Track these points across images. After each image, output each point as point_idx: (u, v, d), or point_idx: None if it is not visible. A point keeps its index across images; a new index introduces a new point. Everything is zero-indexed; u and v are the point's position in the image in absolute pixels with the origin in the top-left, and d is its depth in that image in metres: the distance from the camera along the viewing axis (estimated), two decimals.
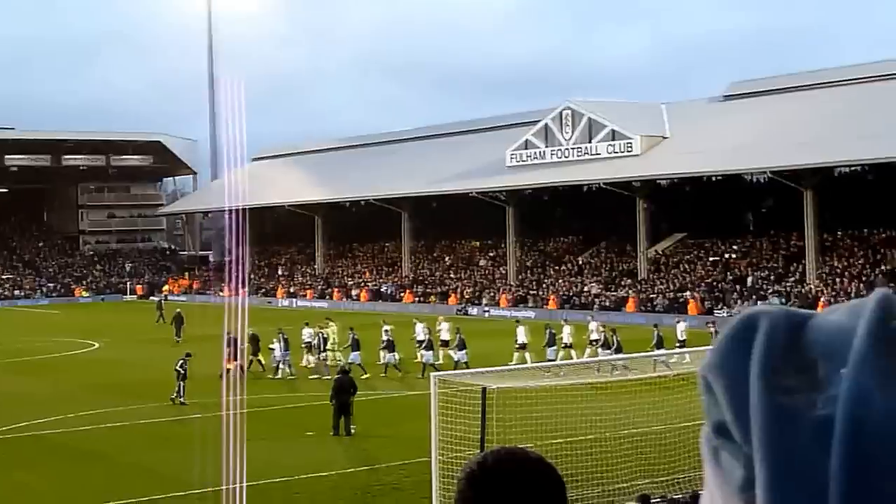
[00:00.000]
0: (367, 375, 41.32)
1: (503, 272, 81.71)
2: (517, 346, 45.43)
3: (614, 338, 44.26)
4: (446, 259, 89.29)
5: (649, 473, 23.28)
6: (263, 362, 44.47)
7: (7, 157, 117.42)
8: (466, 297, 79.15)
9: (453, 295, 79.79)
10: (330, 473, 26.24)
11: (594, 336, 46.78)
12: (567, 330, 46.67)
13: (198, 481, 23.74)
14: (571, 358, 43.13)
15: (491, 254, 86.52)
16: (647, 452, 24.71)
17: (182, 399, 36.92)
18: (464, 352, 43.54)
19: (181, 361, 37.78)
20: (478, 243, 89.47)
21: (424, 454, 24.19)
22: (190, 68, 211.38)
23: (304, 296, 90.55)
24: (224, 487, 20.87)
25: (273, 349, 44.13)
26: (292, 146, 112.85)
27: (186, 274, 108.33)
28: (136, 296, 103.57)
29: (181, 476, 25.93)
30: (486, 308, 74.69)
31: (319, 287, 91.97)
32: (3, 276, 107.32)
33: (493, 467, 2.12)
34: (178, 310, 61.53)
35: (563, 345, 45.86)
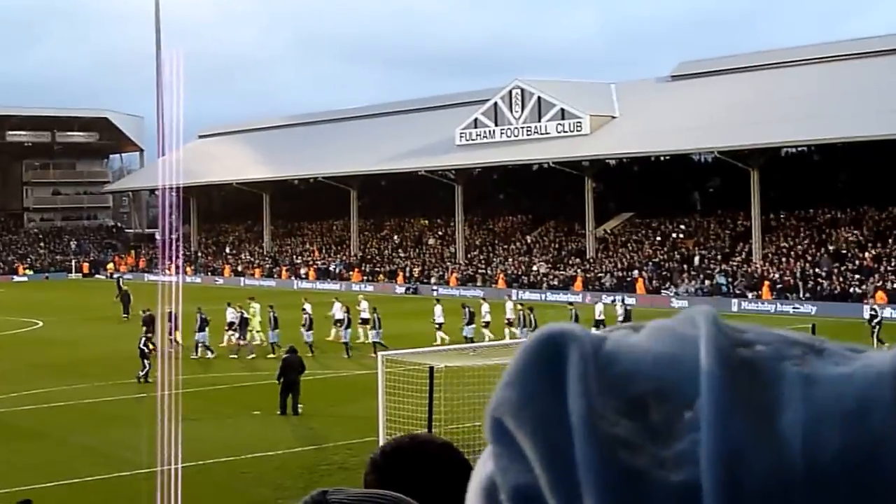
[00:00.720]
0: (273, 355, 41.24)
1: (452, 251, 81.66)
2: (436, 325, 45.85)
3: (531, 316, 44.47)
4: (395, 237, 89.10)
5: None
6: (180, 341, 44.10)
7: None
8: (415, 275, 79.01)
9: (401, 274, 79.63)
10: (276, 453, 26.07)
11: (509, 315, 47.26)
12: (485, 308, 47.32)
13: (142, 461, 23.49)
14: (485, 338, 43.84)
15: (440, 232, 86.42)
16: None
17: (148, 378, 36.37)
18: (378, 331, 43.12)
19: (144, 339, 37.44)
20: (427, 222, 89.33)
21: (372, 433, 24.13)
22: (137, 44, 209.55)
23: (252, 274, 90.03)
24: (164, 468, 20.63)
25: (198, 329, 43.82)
26: (240, 124, 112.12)
27: (133, 252, 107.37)
28: (81, 274, 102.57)
29: (126, 456, 25.68)
30: (435, 287, 74.63)
31: (267, 266, 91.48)
32: None
33: (393, 454, 2.28)
34: (126, 288, 61.03)
35: (482, 323, 46.27)
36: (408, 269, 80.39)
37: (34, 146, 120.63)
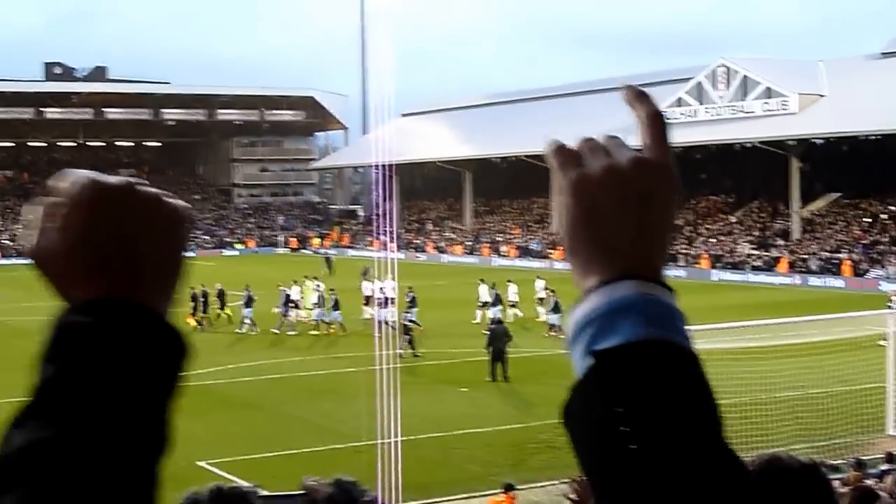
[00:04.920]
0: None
1: None
2: (479, 304, 46.23)
3: (552, 298, 43.58)
4: None
5: (807, 438, 23.07)
6: (230, 314, 46.74)
7: (163, 111, 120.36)
8: None
9: None
10: (485, 430, 26.61)
11: (540, 295, 46.85)
12: (513, 289, 47.22)
13: (357, 434, 24.29)
14: (512, 317, 44.39)
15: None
16: (805, 416, 24.50)
17: (412, 351, 37.77)
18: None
19: (408, 315, 38.63)
20: None
21: None
22: (343, 25, 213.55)
23: (453, 252, 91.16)
24: (381, 441, 21.31)
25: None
26: (442, 102, 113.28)
27: (337, 228, 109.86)
28: (289, 248, 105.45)
29: (338, 428, 26.57)
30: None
31: (468, 243, 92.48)
32: None
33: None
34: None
35: (509, 303, 46.15)
36: None
37: (243, 124, 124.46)
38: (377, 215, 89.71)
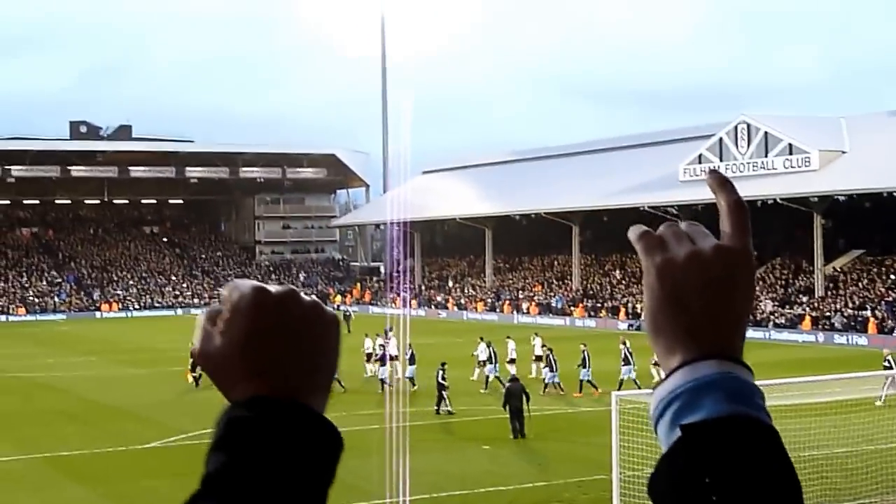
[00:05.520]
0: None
1: None
2: (478, 362, 45.84)
3: (550, 356, 43.09)
4: (617, 273, 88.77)
5: (833, 499, 22.84)
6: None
7: (187, 168, 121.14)
8: (638, 312, 78.51)
9: (623, 309, 79.28)
10: (507, 488, 26.43)
11: (538, 352, 46.51)
12: (511, 345, 46.88)
13: (378, 491, 24.15)
14: (510, 372, 42.63)
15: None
16: (831, 476, 24.25)
17: (448, 408, 37.81)
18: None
19: (441, 372, 38.52)
20: None
21: (602, 471, 24.21)
22: (364, 85, 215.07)
23: (475, 308, 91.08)
24: (403, 499, 21.19)
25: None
26: (462, 159, 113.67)
27: (358, 284, 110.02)
28: None
29: (362, 485, 26.43)
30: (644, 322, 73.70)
31: (489, 300, 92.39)
32: (182, 285, 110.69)
33: None
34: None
35: (507, 360, 45.81)
36: (630, 304, 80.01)
37: (265, 182, 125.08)
38: (398, 272, 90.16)
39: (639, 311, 78.39)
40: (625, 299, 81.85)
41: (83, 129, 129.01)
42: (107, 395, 44.05)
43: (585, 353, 42.30)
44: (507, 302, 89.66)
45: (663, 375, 1.38)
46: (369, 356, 47.03)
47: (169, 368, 50.77)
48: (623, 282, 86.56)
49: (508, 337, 48.69)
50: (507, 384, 35.29)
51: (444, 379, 38.19)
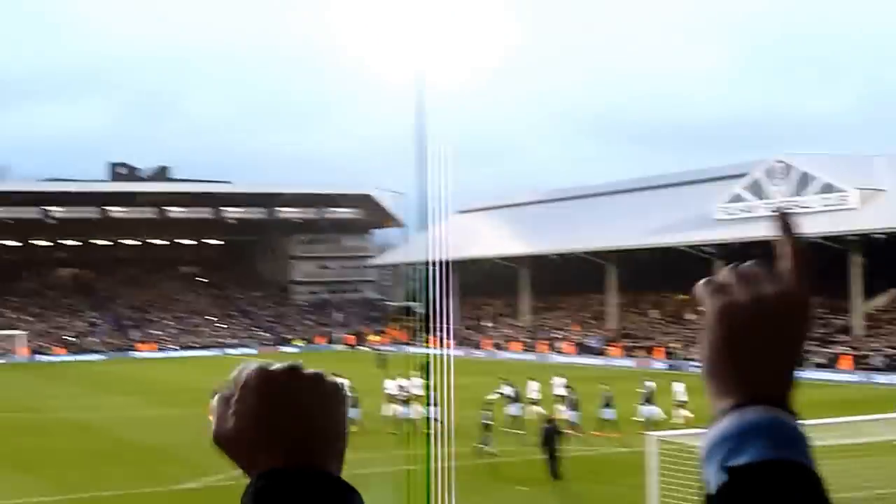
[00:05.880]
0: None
1: None
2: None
3: (571, 396, 42.73)
4: (653, 312, 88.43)
5: None
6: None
7: (224, 209, 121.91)
8: (675, 351, 78.14)
9: (659, 350, 78.91)
10: None
11: (559, 392, 46.16)
12: (533, 386, 47.15)
13: None
14: (538, 415, 41.79)
15: (700, 308, 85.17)
16: None
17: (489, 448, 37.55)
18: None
19: (486, 413, 38.47)
20: (686, 297, 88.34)
21: None
22: (399, 127, 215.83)
23: (511, 348, 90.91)
24: None
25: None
26: (497, 199, 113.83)
27: (394, 324, 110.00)
28: (345, 346, 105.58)
29: None
30: (698, 363, 73.49)
31: (526, 340, 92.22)
32: (220, 325, 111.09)
33: None
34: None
35: (529, 400, 45.56)
36: (667, 344, 79.67)
37: (302, 222, 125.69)
38: (434, 312, 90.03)
39: (675, 350, 78.04)
40: (662, 338, 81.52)
41: (122, 170, 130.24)
42: (144, 435, 44.24)
43: (607, 393, 42.41)
44: (544, 342, 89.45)
45: (713, 417, 1.42)
46: (391, 396, 46.84)
47: (205, 409, 50.84)
48: (660, 321, 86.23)
49: (531, 378, 48.92)
50: (545, 425, 35.32)
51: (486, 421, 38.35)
